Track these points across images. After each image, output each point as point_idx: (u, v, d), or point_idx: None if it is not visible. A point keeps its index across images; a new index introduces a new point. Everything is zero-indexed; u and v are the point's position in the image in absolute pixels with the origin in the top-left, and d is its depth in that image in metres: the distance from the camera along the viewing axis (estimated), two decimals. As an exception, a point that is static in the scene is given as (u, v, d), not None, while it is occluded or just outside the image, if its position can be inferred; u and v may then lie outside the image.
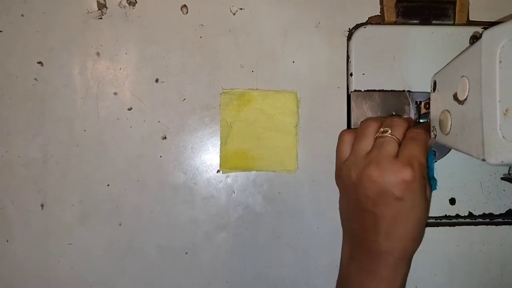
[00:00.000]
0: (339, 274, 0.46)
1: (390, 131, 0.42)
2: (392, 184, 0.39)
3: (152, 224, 0.53)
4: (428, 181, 0.44)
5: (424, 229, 0.42)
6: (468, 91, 0.38)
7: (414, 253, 0.42)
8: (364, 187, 0.41)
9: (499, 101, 0.33)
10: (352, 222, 0.44)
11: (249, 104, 0.53)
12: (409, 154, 0.40)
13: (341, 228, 0.47)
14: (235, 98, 0.53)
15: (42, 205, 0.52)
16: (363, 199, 0.41)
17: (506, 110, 0.33)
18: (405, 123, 0.44)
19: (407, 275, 0.42)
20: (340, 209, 0.48)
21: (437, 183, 0.46)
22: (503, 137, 0.33)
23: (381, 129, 0.43)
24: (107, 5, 0.52)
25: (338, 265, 0.53)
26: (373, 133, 0.43)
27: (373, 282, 0.42)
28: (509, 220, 0.54)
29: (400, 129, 0.43)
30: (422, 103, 0.51)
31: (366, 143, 0.43)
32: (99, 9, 0.52)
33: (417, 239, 0.42)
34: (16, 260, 0.52)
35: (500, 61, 0.33)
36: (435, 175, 0.47)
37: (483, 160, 0.36)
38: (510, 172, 0.45)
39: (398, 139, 0.42)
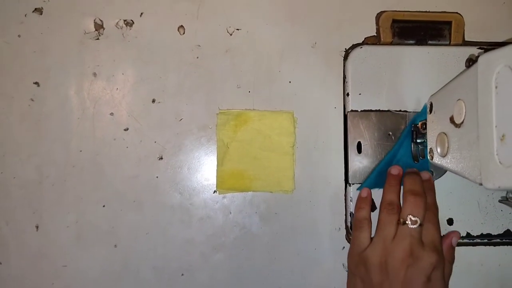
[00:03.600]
0: None
1: (412, 218, 0.45)
2: (424, 269, 0.43)
3: (148, 245, 0.52)
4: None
5: None
6: (465, 115, 0.38)
7: None
8: (396, 272, 0.44)
9: (495, 126, 0.33)
10: None
11: (245, 125, 0.53)
12: (432, 239, 0.45)
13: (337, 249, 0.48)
14: (231, 118, 0.53)
15: (37, 226, 0.52)
16: (394, 283, 0.44)
17: (503, 136, 0.33)
18: (423, 202, 0.46)
19: None
20: None
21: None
22: (500, 162, 0.33)
23: (408, 217, 0.45)
24: (104, 26, 0.53)
25: (335, 287, 0.53)
26: (396, 219, 0.46)
27: None
28: (507, 240, 0.54)
29: (420, 211, 0.45)
30: (419, 124, 0.51)
31: (392, 230, 0.46)
32: (96, 30, 0.53)
33: None
34: (10, 282, 0.52)
35: (496, 87, 0.33)
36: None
37: (480, 184, 0.36)
38: (508, 196, 0.44)
39: (421, 224, 0.45)
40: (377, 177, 0.52)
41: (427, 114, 0.49)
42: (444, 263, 0.46)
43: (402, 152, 0.52)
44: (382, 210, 0.48)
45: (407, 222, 0.45)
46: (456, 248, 0.53)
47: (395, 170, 0.50)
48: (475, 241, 0.54)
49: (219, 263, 0.53)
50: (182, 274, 0.53)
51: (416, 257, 0.44)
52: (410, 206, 0.46)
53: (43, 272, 0.52)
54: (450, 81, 0.43)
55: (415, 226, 0.45)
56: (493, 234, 0.54)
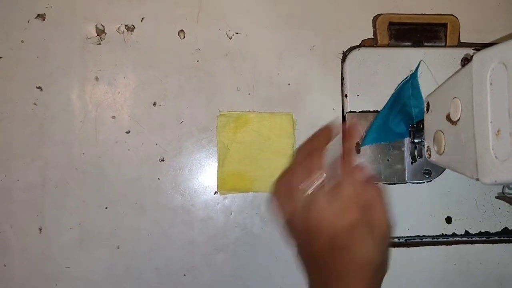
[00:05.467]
0: None
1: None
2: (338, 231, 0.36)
3: (150, 247, 0.53)
4: None
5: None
6: (461, 112, 0.39)
7: None
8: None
9: (491, 122, 0.34)
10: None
11: (245, 126, 0.54)
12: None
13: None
14: (231, 120, 0.54)
15: (40, 229, 0.52)
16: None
17: (498, 131, 0.33)
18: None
19: None
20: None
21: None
22: (495, 157, 0.34)
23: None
24: (105, 31, 0.53)
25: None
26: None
27: None
28: (505, 238, 0.55)
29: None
30: (416, 123, 0.52)
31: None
32: (97, 35, 0.53)
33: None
34: (14, 285, 0.52)
35: (490, 83, 0.34)
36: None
37: (477, 179, 0.36)
38: (504, 191, 0.45)
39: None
40: (377, 131, 0.53)
41: (424, 113, 0.49)
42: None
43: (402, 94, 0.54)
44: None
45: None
46: (456, 246, 0.54)
47: None
48: (473, 239, 0.55)
49: (220, 263, 0.53)
50: (184, 275, 0.53)
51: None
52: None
53: (46, 274, 0.52)
54: (446, 80, 0.44)
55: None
56: (491, 232, 0.55)
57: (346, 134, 0.45)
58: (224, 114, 0.54)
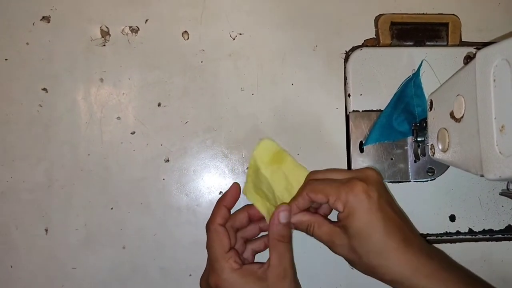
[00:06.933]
0: None
1: None
2: None
3: (156, 247, 0.53)
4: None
5: None
6: (465, 109, 0.39)
7: None
8: None
9: (495, 118, 0.34)
10: None
11: (278, 164, 0.50)
12: None
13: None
14: (270, 150, 0.50)
15: (46, 230, 0.52)
16: None
17: (502, 127, 0.34)
18: None
19: None
20: None
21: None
22: (500, 152, 0.34)
23: None
24: (110, 33, 0.54)
25: (341, 284, 0.54)
26: None
27: None
28: (509, 235, 0.55)
29: None
30: (419, 122, 0.52)
31: None
32: (102, 37, 0.54)
33: None
34: (20, 286, 0.52)
35: (494, 80, 0.35)
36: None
37: (482, 176, 0.37)
38: (509, 187, 0.46)
39: None
40: (380, 130, 0.53)
41: (427, 111, 0.50)
42: None
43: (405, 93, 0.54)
44: None
45: None
46: (459, 244, 0.55)
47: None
48: (477, 237, 0.55)
49: (226, 263, 0.53)
50: (190, 275, 0.53)
51: None
52: None
53: (52, 274, 0.52)
54: (449, 78, 0.44)
55: None
56: (495, 229, 0.55)
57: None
58: (269, 141, 0.51)
